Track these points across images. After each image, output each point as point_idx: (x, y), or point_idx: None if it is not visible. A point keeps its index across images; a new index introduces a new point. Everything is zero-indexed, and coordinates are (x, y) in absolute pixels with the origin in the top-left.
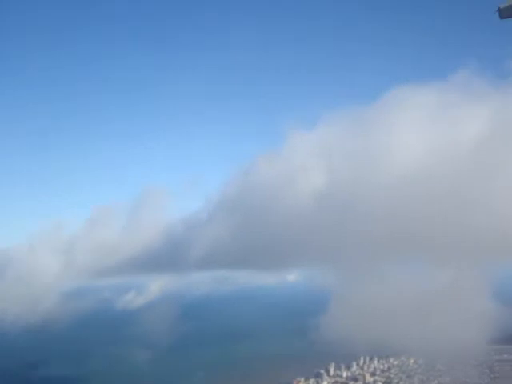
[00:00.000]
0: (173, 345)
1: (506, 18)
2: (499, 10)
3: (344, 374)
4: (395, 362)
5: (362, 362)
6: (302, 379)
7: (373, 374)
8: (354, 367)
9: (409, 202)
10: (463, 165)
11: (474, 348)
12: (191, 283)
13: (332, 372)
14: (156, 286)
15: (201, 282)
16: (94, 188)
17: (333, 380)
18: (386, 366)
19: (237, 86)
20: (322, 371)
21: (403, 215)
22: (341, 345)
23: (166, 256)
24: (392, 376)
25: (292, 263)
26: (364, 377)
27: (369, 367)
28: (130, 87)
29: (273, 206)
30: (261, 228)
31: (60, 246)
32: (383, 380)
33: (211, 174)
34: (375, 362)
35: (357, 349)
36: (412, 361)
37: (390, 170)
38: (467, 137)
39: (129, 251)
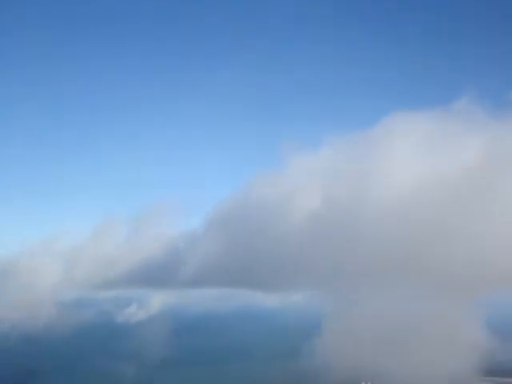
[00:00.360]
0: (169, 361)
1: None
2: None
3: None
4: None
5: None
6: None
7: None
8: None
9: (404, 228)
10: (458, 192)
11: (466, 380)
12: (192, 300)
13: None
14: (157, 300)
15: (202, 299)
16: (99, 199)
17: None
18: None
19: (240, 107)
20: None
21: (399, 240)
22: (332, 370)
23: (168, 271)
24: None
25: (291, 284)
26: None
27: None
28: (137, 106)
29: (272, 227)
30: (259, 248)
31: (61, 255)
32: None
33: (216, 192)
34: None
35: (346, 375)
36: None
37: (388, 194)
38: (464, 164)
39: (131, 264)
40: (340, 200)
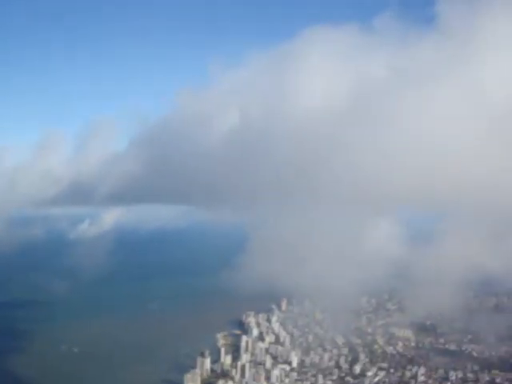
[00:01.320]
0: (105, 276)
1: None
2: None
3: (295, 310)
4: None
5: (314, 299)
6: (253, 313)
7: (323, 311)
8: (306, 303)
9: (316, 144)
10: (372, 107)
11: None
12: (140, 217)
13: (284, 307)
14: (109, 217)
15: (147, 217)
16: (40, 114)
17: (284, 315)
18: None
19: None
20: (274, 306)
21: (311, 158)
22: (252, 285)
23: (106, 188)
24: (342, 314)
25: (220, 202)
26: (314, 313)
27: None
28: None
29: (196, 144)
30: (187, 166)
31: (6, 171)
32: (332, 317)
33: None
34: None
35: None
36: (365, 300)
37: (302, 109)
38: (378, 79)
39: (78, 180)
40: (257, 117)
